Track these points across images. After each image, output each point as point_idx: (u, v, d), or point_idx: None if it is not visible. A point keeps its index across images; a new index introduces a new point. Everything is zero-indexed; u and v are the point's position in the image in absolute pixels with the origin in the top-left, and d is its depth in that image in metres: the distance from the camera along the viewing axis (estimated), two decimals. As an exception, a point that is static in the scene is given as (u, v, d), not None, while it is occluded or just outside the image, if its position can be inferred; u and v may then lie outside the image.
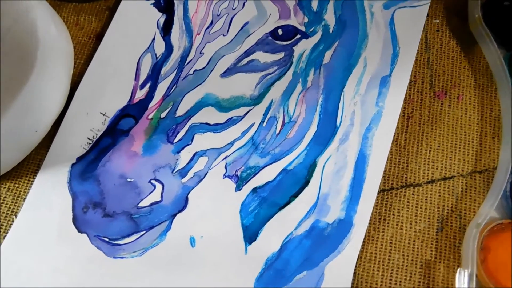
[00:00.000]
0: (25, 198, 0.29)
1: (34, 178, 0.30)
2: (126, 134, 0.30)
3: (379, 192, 0.29)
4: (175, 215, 0.29)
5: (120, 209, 0.29)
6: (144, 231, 0.28)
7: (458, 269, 0.27)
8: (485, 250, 0.27)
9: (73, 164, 0.30)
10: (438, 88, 0.32)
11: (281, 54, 0.32)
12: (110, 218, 0.28)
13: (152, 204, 0.29)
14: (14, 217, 0.29)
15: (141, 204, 0.29)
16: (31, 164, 0.30)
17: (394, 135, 0.30)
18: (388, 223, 0.29)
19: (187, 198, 0.29)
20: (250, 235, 0.28)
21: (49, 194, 0.29)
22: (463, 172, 0.30)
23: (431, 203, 0.29)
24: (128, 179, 0.29)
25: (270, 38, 0.33)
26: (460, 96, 0.32)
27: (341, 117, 0.30)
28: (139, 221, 0.28)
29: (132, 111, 0.31)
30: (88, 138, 0.30)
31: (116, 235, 0.28)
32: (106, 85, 0.31)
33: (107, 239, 0.28)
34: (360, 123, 0.30)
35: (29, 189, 0.30)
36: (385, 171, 0.30)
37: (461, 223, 0.29)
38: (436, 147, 0.31)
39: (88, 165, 0.30)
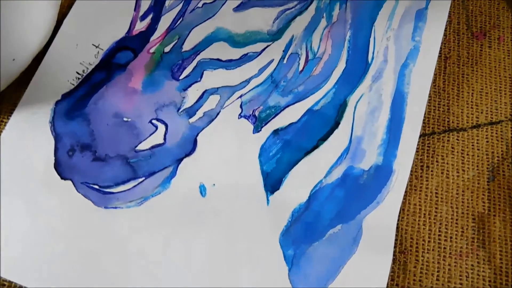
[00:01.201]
0: (-4, 142, 0.24)
1: (9, 119, 0.25)
2: (123, 68, 0.26)
3: (419, 137, 0.25)
4: (181, 159, 0.24)
5: (114, 152, 0.24)
6: (143, 178, 0.23)
7: (521, 219, 0.23)
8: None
9: (57, 102, 0.25)
10: (475, 29, 0.29)
11: (302, -11, 0.29)
12: (101, 163, 0.23)
13: (153, 147, 0.24)
14: (-20, 163, 0.24)
15: (140, 147, 0.24)
16: (6, 103, 0.25)
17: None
18: (432, 171, 0.25)
19: (195, 141, 0.24)
20: (272, 184, 0.24)
21: (26, 136, 0.24)
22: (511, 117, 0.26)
23: (478, 149, 0.25)
24: (125, 119, 0.24)
25: (288, -28, 0.29)
26: (501, 37, 0.28)
27: (373, 53, 0.26)
28: (137, 166, 0.23)
29: (131, 44, 0.26)
30: (77, 72, 0.25)
31: (109, 182, 0.23)
32: (100, 15, 0.27)
33: (96, 187, 0.23)
34: (395, 60, 0.26)
35: (1, 131, 0.25)
36: (423, 114, 0.26)
37: (515, 172, 0.25)
38: (479, 89, 0.27)
39: (76, 102, 0.25)
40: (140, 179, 0.23)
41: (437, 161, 0.25)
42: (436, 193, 0.24)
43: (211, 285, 0.21)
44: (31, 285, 0.21)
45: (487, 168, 0.25)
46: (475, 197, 0.24)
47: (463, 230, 0.24)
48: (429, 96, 0.26)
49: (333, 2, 0.28)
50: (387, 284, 0.22)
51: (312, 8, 0.28)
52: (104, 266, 0.21)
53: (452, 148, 0.25)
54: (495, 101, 0.27)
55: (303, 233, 0.22)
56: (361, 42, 0.27)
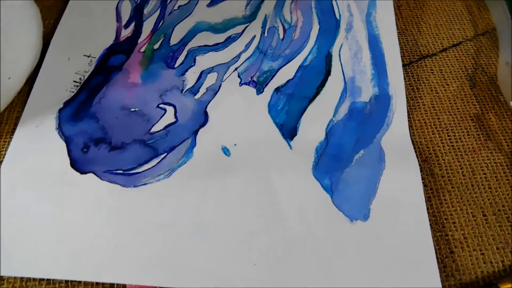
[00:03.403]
0: (1, 161, 0.23)
1: (11, 138, 0.24)
2: (119, 69, 0.26)
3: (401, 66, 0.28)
4: (197, 130, 0.24)
5: (130, 139, 0.23)
6: (165, 153, 0.23)
7: (512, 103, 0.25)
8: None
9: (60, 109, 0.25)
10: (412, -18, 0.34)
11: (261, -21, 0.32)
12: (119, 150, 0.23)
13: (167, 126, 0.24)
14: (-10, 183, 0.22)
15: (154, 129, 0.24)
16: (5, 125, 0.25)
17: (392, 21, 0.30)
18: (422, 91, 0.27)
19: (205, 112, 0.25)
20: (289, 131, 0.24)
21: (34, 147, 0.23)
22: (468, 37, 0.30)
23: (453, 66, 0.29)
24: (132, 109, 0.25)
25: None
26: (435, -16, 0.34)
27: (339, 11, 0.30)
28: (156, 145, 0.23)
29: (121, 48, 0.27)
30: (75, 81, 0.26)
31: (132, 165, 0.22)
32: (85, 31, 0.28)
33: (121, 171, 0.22)
34: (359, 12, 0.30)
35: (6, 150, 0.24)
36: (398, 48, 0.29)
37: (489, 76, 0.28)
38: (433, 24, 0.31)
39: (79, 105, 0.25)
40: (162, 155, 0.23)
41: (423, 83, 0.28)
42: (432, 107, 0.27)
43: (254, 224, 0.21)
44: (76, 277, 0.19)
45: (466, 78, 0.28)
46: (466, 102, 0.27)
47: (468, 130, 0.26)
48: (397, 36, 0.30)
49: (291, -17, 0.32)
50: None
51: (275, -9, 0.31)
52: (143, 236, 0.20)
53: (431, 70, 0.28)
54: (450, 29, 0.31)
55: (332, 163, 0.23)
56: (325, 6, 0.30)
